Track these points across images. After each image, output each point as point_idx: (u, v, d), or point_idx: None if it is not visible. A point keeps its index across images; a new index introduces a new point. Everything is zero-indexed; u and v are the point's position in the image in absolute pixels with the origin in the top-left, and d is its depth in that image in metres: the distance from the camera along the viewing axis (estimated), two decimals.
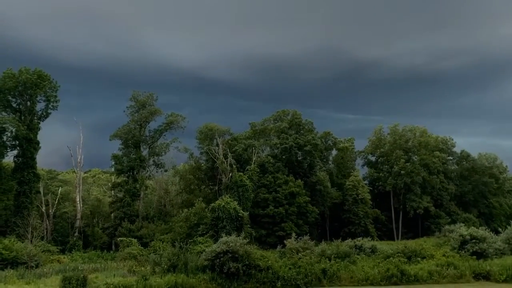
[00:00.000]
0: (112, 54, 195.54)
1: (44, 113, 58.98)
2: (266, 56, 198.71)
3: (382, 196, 79.53)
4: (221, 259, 35.33)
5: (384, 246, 49.52)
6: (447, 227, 55.50)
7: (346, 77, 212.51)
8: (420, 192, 76.73)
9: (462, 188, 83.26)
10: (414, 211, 75.71)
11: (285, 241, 45.82)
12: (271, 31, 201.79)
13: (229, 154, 63.94)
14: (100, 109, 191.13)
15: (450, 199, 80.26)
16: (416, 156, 79.41)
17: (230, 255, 35.65)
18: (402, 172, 75.74)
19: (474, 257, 43.14)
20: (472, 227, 51.61)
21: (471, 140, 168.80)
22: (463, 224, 53.30)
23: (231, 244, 36.22)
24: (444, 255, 44.35)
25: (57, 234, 62.23)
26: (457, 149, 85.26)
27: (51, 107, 59.20)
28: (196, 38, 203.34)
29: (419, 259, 43.04)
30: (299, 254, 42.07)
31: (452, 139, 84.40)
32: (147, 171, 66.27)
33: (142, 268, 35.73)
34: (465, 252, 44.33)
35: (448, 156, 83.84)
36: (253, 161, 65.65)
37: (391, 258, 42.66)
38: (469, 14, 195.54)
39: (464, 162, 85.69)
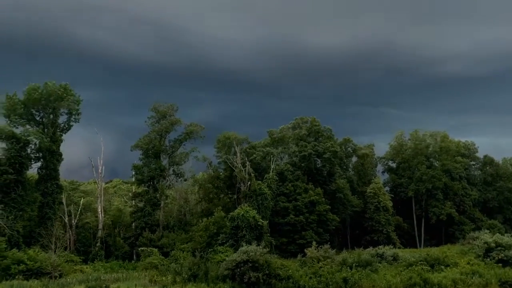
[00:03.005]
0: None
1: (67, 126, 60.12)
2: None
3: (404, 203, 78.34)
4: (242, 268, 35.33)
5: (406, 254, 48.77)
6: (471, 234, 54.35)
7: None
8: (442, 198, 75.30)
9: (486, 194, 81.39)
10: (437, 217, 74.28)
11: (305, 250, 45.56)
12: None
13: (247, 162, 64.02)
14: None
15: (473, 205, 78.51)
16: (437, 162, 78.10)
17: (250, 265, 35.63)
18: (424, 178, 74.53)
19: (500, 265, 42.11)
20: (497, 234, 50.45)
21: None
22: (488, 231, 52.09)
23: (251, 254, 36.22)
24: (468, 263, 43.41)
25: (80, 244, 63.11)
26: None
27: (73, 120, 60.33)
28: None
29: (442, 267, 42.23)
30: (320, 263, 41.75)
31: (474, 144, 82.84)
32: (167, 180, 66.79)
33: (163, 278, 35.93)
34: (490, 259, 43.29)
35: (471, 161, 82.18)
36: (272, 169, 65.55)
37: (414, 266, 41.97)
38: None
39: (487, 168, 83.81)
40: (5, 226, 46.62)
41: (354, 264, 40.98)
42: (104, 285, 30.11)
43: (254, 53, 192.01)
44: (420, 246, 73.29)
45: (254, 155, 66.80)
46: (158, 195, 63.76)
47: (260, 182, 62.19)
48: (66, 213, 62.38)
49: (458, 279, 38.95)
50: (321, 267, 40.66)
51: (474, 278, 39.25)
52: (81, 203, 67.32)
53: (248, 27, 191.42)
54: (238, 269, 35.12)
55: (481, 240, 46.72)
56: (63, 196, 61.67)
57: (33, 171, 58.70)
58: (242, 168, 63.96)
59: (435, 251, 48.21)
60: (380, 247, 47.93)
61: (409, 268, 41.38)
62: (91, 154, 68.11)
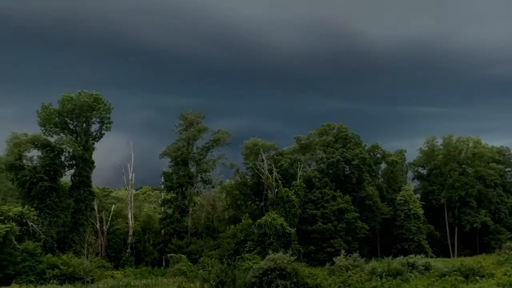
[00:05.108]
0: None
1: (98, 134, 61.73)
2: None
3: (436, 211, 76.35)
4: (269, 276, 35.09)
5: (439, 263, 47.21)
6: (508, 243, 52.33)
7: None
8: (476, 206, 72.94)
9: None
10: (471, 225, 71.99)
11: (334, 258, 44.92)
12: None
13: (274, 169, 63.92)
14: None
15: (510, 214, 75.65)
16: (470, 168, 75.81)
17: (278, 272, 35.33)
18: (456, 185, 72.45)
19: None
20: None
21: None
22: None
23: (278, 261, 35.94)
24: (505, 274, 41.58)
25: (111, 250, 64.38)
26: None
27: (105, 128, 61.89)
28: None
29: (477, 278, 40.51)
30: (349, 272, 41.05)
31: (510, 150, 79.93)
32: (195, 187, 67.47)
33: (192, 285, 36.19)
34: None
35: (507, 168, 79.33)
36: (299, 176, 65.21)
37: (447, 276, 40.50)
38: None
39: None
40: (40, 231, 48.07)
41: (384, 274, 39.99)
42: None
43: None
44: (453, 256, 71.16)
45: (282, 162, 66.67)
46: (186, 202, 64.45)
47: (287, 189, 61.93)
48: (97, 220, 63.86)
49: None
50: (350, 276, 39.90)
51: None
52: (112, 209, 68.83)
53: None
54: (266, 277, 34.88)
55: None
56: (95, 202, 63.24)
57: (66, 178, 60.48)
58: (269, 175, 63.91)
59: (469, 261, 46.48)
60: (411, 256, 46.69)
61: (442, 278, 39.94)
62: (123, 161, 69.30)
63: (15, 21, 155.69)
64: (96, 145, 61.54)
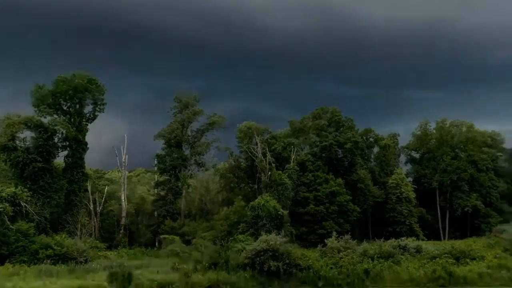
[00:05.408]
0: None
1: (92, 115, 61.28)
2: None
3: (427, 194, 76.90)
4: (261, 257, 35.54)
5: (430, 246, 47.92)
6: (498, 227, 53.09)
7: None
8: (468, 190, 73.68)
9: None
10: (462, 209, 72.82)
11: (326, 240, 45.40)
12: None
13: (268, 152, 64.00)
14: None
15: (501, 197, 76.55)
16: (463, 153, 76.31)
17: (270, 254, 35.81)
18: (449, 169, 73.01)
19: None
20: None
21: None
22: None
23: (271, 243, 36.38)
24: (495, 257, 42.34)
25: (104, 231, 64.66)
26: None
27: (98, 110, 61.41)
28: None
29: (468, 260, 41.18)
30: (340, 254, 41.56)
31: (500, 135, 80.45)
32: (189, 170, 67.54)
33: (185, 266, 36.52)
34: None
35: (498, 152, 79.91)
36: (292, 159, 65.40)
37: (438, 259, 41.11)
38: None
39: None
40: (33, 212, 48.06)
41: (375, 256, 40.55)
42: (127, 272, 30.81)
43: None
44: (444, 239, 72.08)
45: (275, 145, 66.72)
46: (180, 184, 64.54)
47: (280, 172, 62.14)
48: (91, 201, 63.94)
49: (484, 273, 37.98)
50: (341, 257, 40.42)
51: (501, 272, 38.28)
52: (106, 191, 68.84)
53: None
54: (258, 258, 35.34)
55: (509, 233, 45.57)
56: (88, 184, 63.19)
57: (60, 159, 60.24)
58: (262, 158, 64.02)
59: (460, 244, 47.24)
60: (403, 238, 47.28)
61: (433, 261, 40.53)
62: (117, 143, 69.07)
63: None
64: (90, 126, 61.26)
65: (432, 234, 71.73)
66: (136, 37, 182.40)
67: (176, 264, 36.27)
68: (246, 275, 34.79)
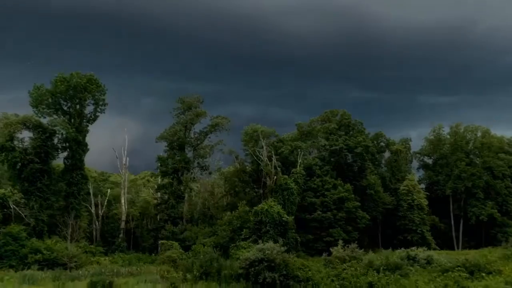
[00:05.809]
0: None
1: (93, 116, 60.03)
2: None
3: (441, 202, 73.91)
4: (256, 268, 33.15)
5: (442, 257, 44.75)
6: None
7: None
8: (483, 198, 70.35)
9: None
10: (477, 218, 69.64)
11: (331, 249, 42.89)
12: None
13: (274, 156, 62.00)
14: None
15: None
16: (478, 159, 73.00)
17: (266, 264, 33.35)
18: (463, 175, 69.85)
19: None
20: None
21: None
22: None
23: (267, 252, 33.92)
24: None
25: (107, 235, 63.57)
26: None
27: (99, 110, 60.10)
28: None
29: (483, 274, 38.06)
30: (344, 265, 38.95)
31: None
32: (192, 173, 65.83)
33: (175, 274, 34.58)
34: None
35: None
36: (299, 163, 63.20)
37: (450, 272, 38.07)
38: None
39: None
40: (23, 216, 46.79)
41: (381, 268, 37.77)
42: (107, 281, 29.01)
43: None
44: (457, 248, 69.08)
45: (282, 149, 64.69)
46: (182, 188, 62.87)
47: (286, 176, 60.08)
48: (93, 204, 62.76)
49: None
50: (345, 269, 37.77)
51: None
52: (108, 194, 67.68)
53: None
54: (253, 269, 33.06)
55: None
56: (90, 186, 62.01)
57: (59, 161, 59.18)
58: (268, 162, 62.08)
59: (474, 255, 44.15)
60: (413, 248, 44.47)
61: (445, 274, 37.54)
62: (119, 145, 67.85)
63: None
64: (91, 128, 60.07)
65: (445, 243, 68.77)
66: (149, 37, 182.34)
67: (166, 272, 34.32)
68: (239, 287, 32.56)
